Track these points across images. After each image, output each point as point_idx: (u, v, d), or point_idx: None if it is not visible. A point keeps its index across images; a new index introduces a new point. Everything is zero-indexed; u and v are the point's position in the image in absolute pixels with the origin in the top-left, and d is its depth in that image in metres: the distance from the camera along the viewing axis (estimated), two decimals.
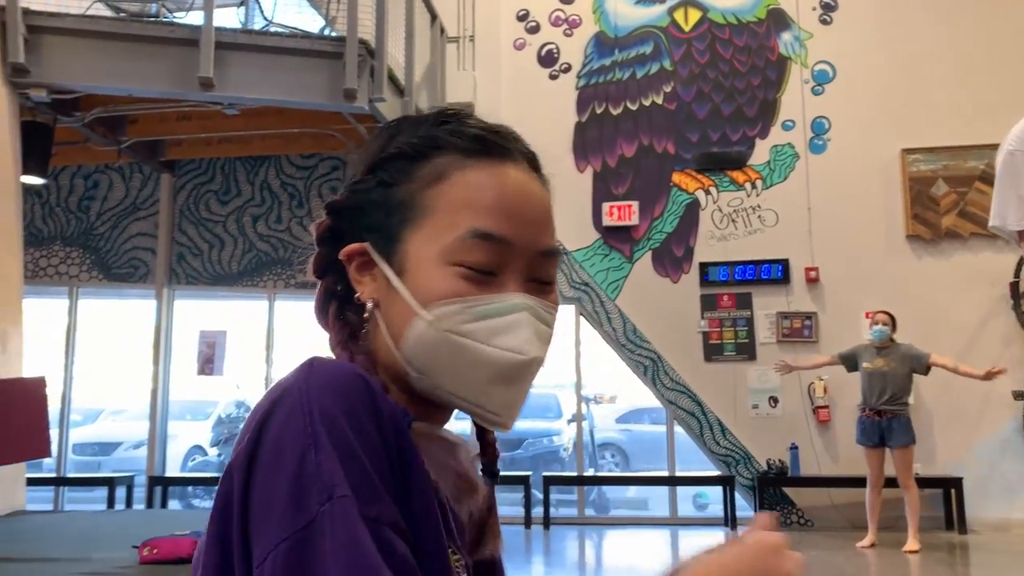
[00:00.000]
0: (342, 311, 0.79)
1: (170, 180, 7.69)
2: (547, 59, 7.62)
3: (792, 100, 7.29)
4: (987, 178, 6.67)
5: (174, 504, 7.80)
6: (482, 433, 0.85)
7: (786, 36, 7.38)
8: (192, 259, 7.61)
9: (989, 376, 5.63)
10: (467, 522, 0.79)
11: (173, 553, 2.83)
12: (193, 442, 9.82)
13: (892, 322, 5.85)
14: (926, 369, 5.80)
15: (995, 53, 6.77)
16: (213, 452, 9.41)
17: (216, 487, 0.67)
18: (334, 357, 0.77)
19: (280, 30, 5.90)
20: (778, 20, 7.41)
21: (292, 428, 0.63)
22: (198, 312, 8.14)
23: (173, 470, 8.24)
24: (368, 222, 0.77)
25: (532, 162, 0.81)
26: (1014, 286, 6.60)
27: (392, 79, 5.90)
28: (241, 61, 5.34)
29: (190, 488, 8.55)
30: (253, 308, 7.78)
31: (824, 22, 7.35)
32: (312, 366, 0.68)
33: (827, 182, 6.98)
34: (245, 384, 8.86)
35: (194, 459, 9.66)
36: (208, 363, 7.55)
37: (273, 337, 7.66)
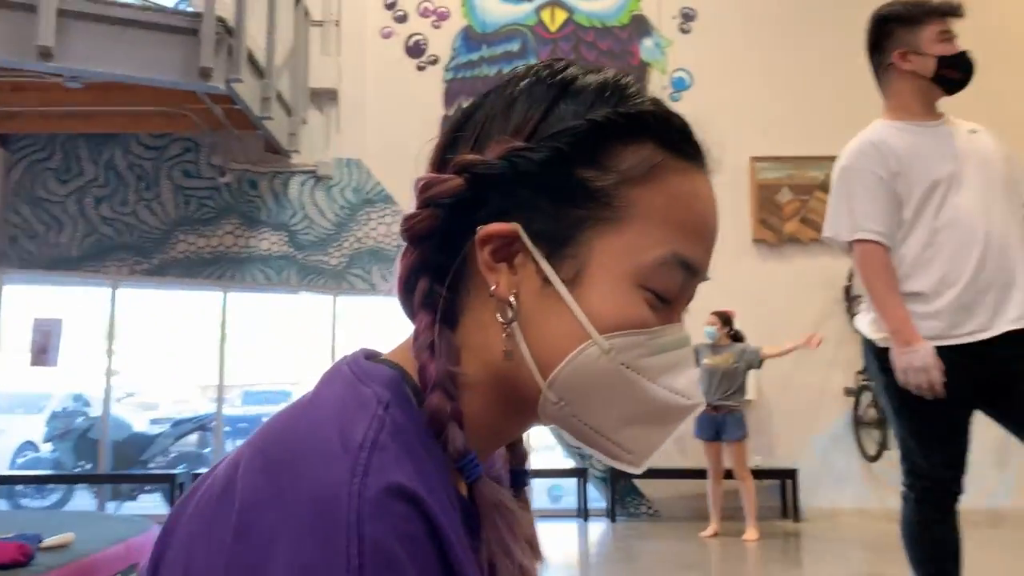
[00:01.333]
0: (431, 292, 0.63)
1: (3, 155, 7.12)
2: (414, 50, 7.54)
3: None
4: (827, 187, 7.06)
5: (0, 504, 7.24)
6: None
7: (647, 42, 7.60)
8: (26, 241, 7.08)
9: (810, 343, 6.15)
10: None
11: None
12: (24, 437, 9.18)
13: (721, 322, 6.15)
14: (759, 363, 6.14)
15: (838, 69, 7.19)
16: (46, 448, 8.81)
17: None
18: (411, 358, 0.62)
19: (132, 1, 5.56)
20: (640, 26, 7.62)
21: (330, 554, 0.48)
22: (32, 298, 7.59)
23: (1, 467, 7.66)
24: (526, 203, 0.61)
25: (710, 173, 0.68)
26: (847, 289, 7.06)
27: (252, 60, 5.69)
28: (86, 31, 5.01)
29: (19, 487, 7.95)
30: (94, 295, 7.33)
31: (683, 31, 7.61)
32: (365, 450, 0.52)
33: None
34: (82, 376, 8.33)
35: (24, 455, 9.02)
36: (42, 353, 7.04)
37: (116, 327, 7.23)
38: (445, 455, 0.58)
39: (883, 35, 2.40)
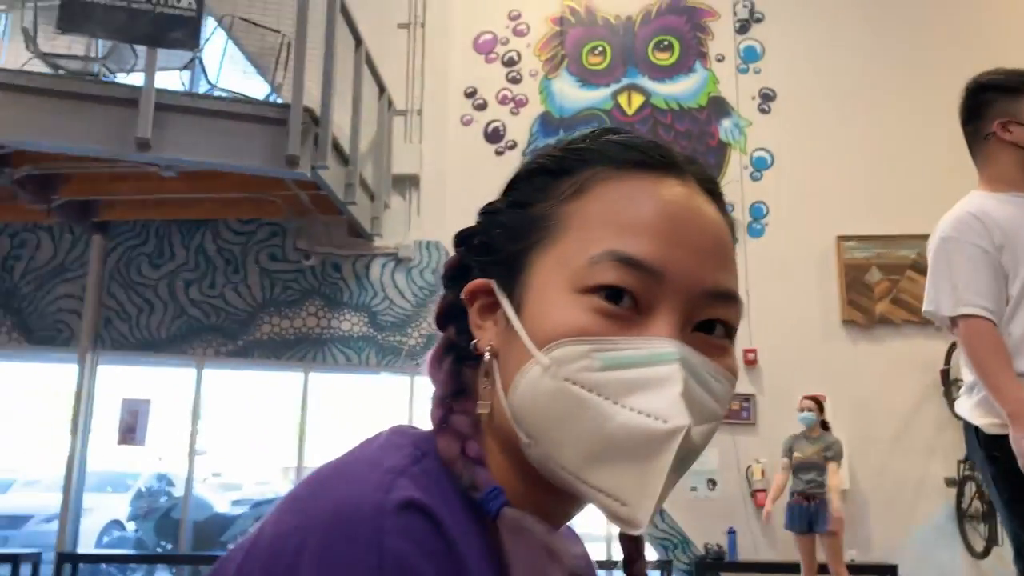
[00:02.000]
0: (459, 366, 0.65)
1: (101, 242, 7.46)
2: (493, 136, 7.69)
3: (731, 185, 7.43)
4: (918, 267, 6.84)
5: None
6: (629, 560, 0.67)
7: (726, 123, 7.58)
8: (119, 323, 7.34)
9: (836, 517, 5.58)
10: None
11: None
12: (110, 516, 9.33)
13: (819, 407, 5.88)
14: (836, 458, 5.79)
15: (925, 144, 7.03)
16: (131, 527, 8.94)
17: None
18: (430, 419, 0.63)
19: (223, 94, 5.83)
20: (718, 108, 7.61)
21: (350, 567, 0.47)
22: (122, 379, 7.82)
23: (87, 546, 7.77)
24: (496, 253, 0.63)
25: (707, 185, 0.65)
26: (944, 373, 6.72)
27: (337, 148, 5.86)
28: (181, 123, 5.25)
29: (103, 566, 8.06)
30: (180, 376, 7.51)
31: (763, 111, 7.57)
32: (391, 473, 0.52)
33: (765, 266, 7.08)
34: (168, 455, 8.48)
35: (111, 535, 9.16)
36: (130, 432, 7.22)
37: (200, 407, 7.37)
38: (484, 514, 0.55)
39: (982, 104, 2.30)
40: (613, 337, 0.56)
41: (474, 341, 0.63)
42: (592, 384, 0.55)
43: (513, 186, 0.67)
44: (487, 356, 0.61)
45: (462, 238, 0.67)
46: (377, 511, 0.49)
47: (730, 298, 0.60)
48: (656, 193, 0.60)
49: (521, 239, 0.62)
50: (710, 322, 0.59)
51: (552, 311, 0.57)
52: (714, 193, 0.65)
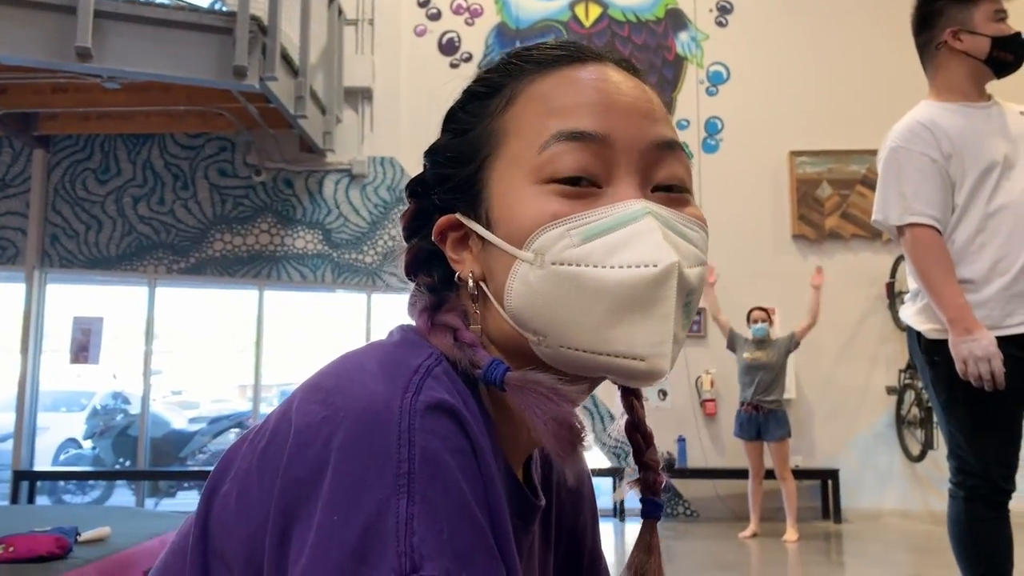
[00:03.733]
0: (436, 312, 0.64)
1: (43, 156, 7.22)
2: (448, 47, 7.53)
3: (687, 100, 7.42)
4: (867, 182, 6.96)
5: (43, 500, 7.35)
6: (638, 450, 0.69)
7: (683, 36, 7.51)
8: (67, 241, 7.18)
9: (816, 283, 5.96)
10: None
11: (31, 551, 2.62)
12: (66, 435, 9.31)
13: (770, 319, 6.04)
14: (796, 344, 5.99)
15: (878, 61, 7.06)
16: (88, 445, 8.93)
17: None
18: (419, 329, 0.64)
19: (166, 1, 5.60)
20: (676, 20, 7.53)
21: (380, 460, 0.48)
22: (73, 297, 7.69)
23: (44, 464, 7.77)
24: (452, 186, 0.65)
25: (625, 65, 0.66)
26: (890, 286, 6.91)
27: (286, 58, 5.70)
28: (123, 31, 5.05)
29: (61, 483, 8.07)
30: (133, 294, 7.41)
31: (720, 24, 7.51)
32: (419, 374, 0.53)
33: (718, 182, 7.14)
34: (123, 374, 8.43)
35: (67, 452, 9.16)
36: (83, 351, 7.15)
37: (154, 325, 7.30)
38: (488, 421, 0.58)
39: (933, 13, 2.30)
40: (579, 214, 0.58)
41: (457, 274, 0.64)
42: (578, 258, 0.57)
43: (451, 119, 0.68)
44: (471, 283, 0.62)
45: (413, 187, 0.69)
46: (408, 410, 0.50)
47: (675, 146, 0.62)
48: (580, 77, 0.62)
49: (469, 162, 0.64)
50: (666, 185, 0.62)
51: (519, 209, 0.59)
52: (634, 70, 0.66)
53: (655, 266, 0.56)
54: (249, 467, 0.54)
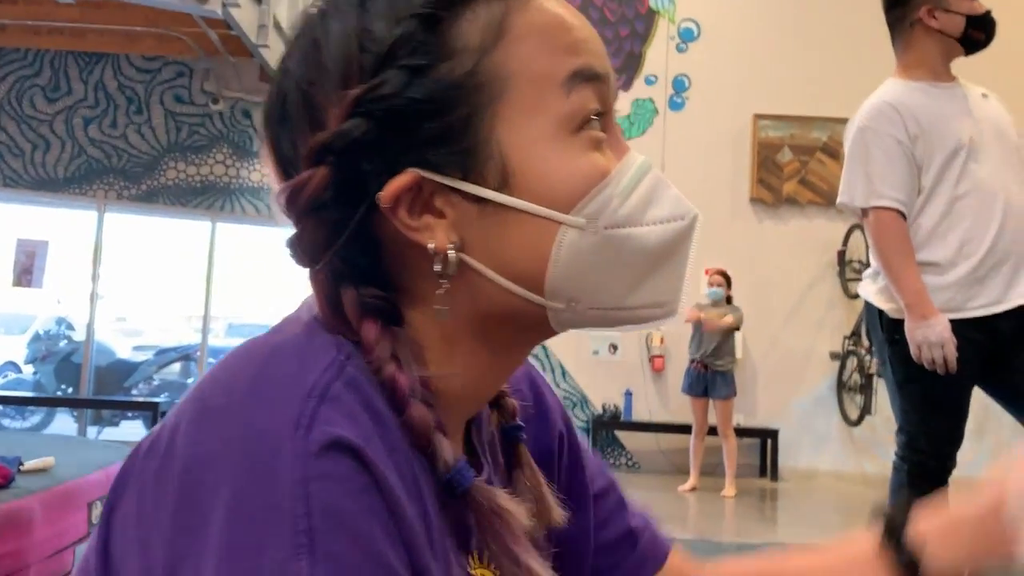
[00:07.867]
0: (363, 299, 0.53)
1: None
2: None
3: (657, 55, 7.37)
4: (828, 149, 7.02)
5: None
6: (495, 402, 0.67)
7: None
8: (12, 159, 6.94)
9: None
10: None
11: None
12: (6, 358, 9.14)
13: (727, 282, 6.12)
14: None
15: (849, 30, 7.07)
16: (28, 370, 8.77)
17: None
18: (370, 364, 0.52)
19: None
20: None
21: (275, 515, 0.42)
22: (17, 218, 7.47)
23: None
24: (406, 145, 0.52)
25: None
26: (841, 254, 7.03)
27: None
28: None
29: (0, 407, 7.93)
30: (80, 218, 7.22)
31: None
32: (312, 399, 0.46)
33: (682, 140, 7.14)
34: (67, 299, 8.26)
35: (6, 376, 8.99)
36: (26, 273, 6.96)
37: (101, 251, 7.14)
38: (410, 435, 0.51)
39: None
40: (618, 167, 0.55)
41: (430, 244, 0.52)
42: (623, 220, 0.54)
43: (392, 56, 0.52)
44: (452, 255, 0.52)
45: (327, 147, 0.51)
46: (301, 454, 0.44)
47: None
48: (549, 5, 0.55)
49: (454, 112, 0.52)
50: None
51: (559, 164, 0.53)
52: None
53: (682, 219, 0.57)
54: (144, 488, 0.48)
